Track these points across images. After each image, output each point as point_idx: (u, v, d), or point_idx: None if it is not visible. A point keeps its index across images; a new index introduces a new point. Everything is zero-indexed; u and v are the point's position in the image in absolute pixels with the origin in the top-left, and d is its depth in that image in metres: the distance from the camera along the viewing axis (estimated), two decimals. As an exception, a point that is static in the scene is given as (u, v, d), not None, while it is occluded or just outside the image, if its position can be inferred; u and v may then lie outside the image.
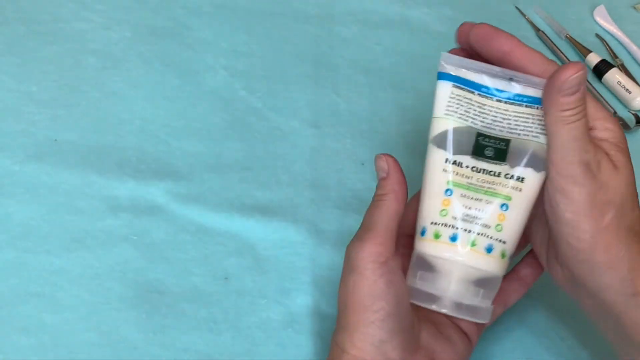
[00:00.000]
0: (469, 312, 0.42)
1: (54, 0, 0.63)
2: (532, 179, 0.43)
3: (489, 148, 0.43)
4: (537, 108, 0.43)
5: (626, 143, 0.43)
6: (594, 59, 0.65)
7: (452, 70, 0.44)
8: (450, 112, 0.43)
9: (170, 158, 0.56)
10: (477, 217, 0.42)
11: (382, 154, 0.44)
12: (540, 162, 0.43)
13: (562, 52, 0.66)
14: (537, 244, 0.46)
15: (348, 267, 0.42)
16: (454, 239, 0.42)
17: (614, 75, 0.64)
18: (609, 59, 0.66)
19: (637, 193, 0.42)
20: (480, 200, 0.42)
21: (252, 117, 0.60)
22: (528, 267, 0.48)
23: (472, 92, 0.44)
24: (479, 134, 0.43)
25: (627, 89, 0.63)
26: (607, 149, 0.42)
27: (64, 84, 0.59)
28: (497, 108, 0.43)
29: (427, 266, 0.43)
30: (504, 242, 0.43)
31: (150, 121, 0.58)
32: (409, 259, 0.44)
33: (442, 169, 0.43)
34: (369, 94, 0.62)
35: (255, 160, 0.57)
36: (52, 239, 0.52)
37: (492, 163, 0.43)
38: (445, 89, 0.44)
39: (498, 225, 0.42)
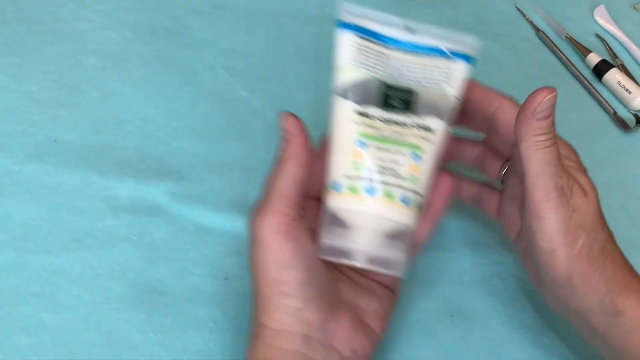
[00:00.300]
0: (384, 265, 0.41)
1: (54, 0, 0.63)
2: (440, 127, 0.43)
3: (396, 99, 0.43)
4: (440, 58, 0.43)
5: (583, 167, 0.45)
6: (593, 59, 0.65)
7: (355, 20, 0.43)
8: (354, 61, 0.43)
9: (170, 158, 0.56)
10: (391, 169, 0.41)
11: (287, 113, 0.42)
12: (444, 112, 0.43)
13: (562, 52, 0.66)
14: (529, 269, 0.47)
15: (252, 240, 0.41)
16: (370, 191, 0.41)
17: (614, 75, 0.64)
18: (609, 59, 0.66)
19: (602, 214, 0.43)
20: (393, 151, 0.42)
21: (252, 117, 0.60)
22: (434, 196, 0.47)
23: (376, 43, 0.43)
24: (385, 85, 0.43)
25: (627, 89, 0.63)
26: (574, 174, 0.43)
27: (64, 84, 0.59)
28: (399, 58, 0.43)
29: (339, 221, 0.42)
30: (418, 193, 0.42)
31: (150, 121, 0.58)
32: (317, 221, 0.43)
33: (351, 120, 0.42)
34: (368, 94, 0.62)
35: (255, 160, 0.57)
36: (52, 239, 0.52)
37: (400, 114, 0.42)
38: (348, 39, 0.43)
39: (412, 176, 0.42)
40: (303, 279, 0.40)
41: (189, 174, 0.55)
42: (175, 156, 0.56)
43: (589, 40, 0.67)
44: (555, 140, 0.42)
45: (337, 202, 0.42)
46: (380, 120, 0.42)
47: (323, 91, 0.61)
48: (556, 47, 0.66)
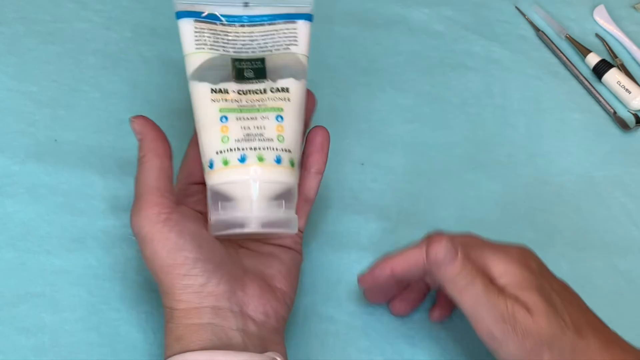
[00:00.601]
0: (275, 226, 0.44)
1: (54, 0, 0.63)
2: (295, 86, 0.45)
3: (248, 70, 0.45)
4: (278, 23, 0.46)
5: (529, 277, 0.43)
6: (593, 59, 0.65)
7: (189, 7, 0.46)
8: (200, 45, 0.45)
9: (170, 158, 0.56)
10: (258, 134, 0.44)
11: (134, 116, 0.45)
12: (297, 71, 0.46)
13: (562, 52, 0.66)
14: None
15: (138, 239, 0.43)
16: (242, 160, 0.43)
17: (613, 75, 0.64)
18: (608, 59, 0.66)
19: (562, 320, 0.42)
20: (256, 118, 0.44)
21: (251, 117, 0.60)
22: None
23: (215, 23, 0.46)
24: (235, 60, 0.45)
25: (626, 89, 0.63)
26: (515, 294, 0.42)
27: (64, 84, 0.59)
28: (243, 32, 0.46)
29: (223, 196, 0.44)
30: (289, 151, 0.44)
31: (150, 121, 0.58)
32: (204, 203, 0.45)
33: (210, 99, 0.44)
34: (368, 93, 0.62)
35: (255, 160, 0.57)
36: (52, 239, 0.52)
37: (255, 82, 0.45)
38: (188, 26, 0.46)
39: (279, 136, 0.44)
40: (196, 257, 0.42)
41: (188, 174, 0.55)
42: (174, 156, 0.56)
43: (588, 40, 0.67)
44: (478, 269, 0.43)
45: (215, 178, 0.44)
46: (238, 93, 0.45)
47: (323, 91, 0.62)
48: (556, 47, 0.66)
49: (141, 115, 0.45)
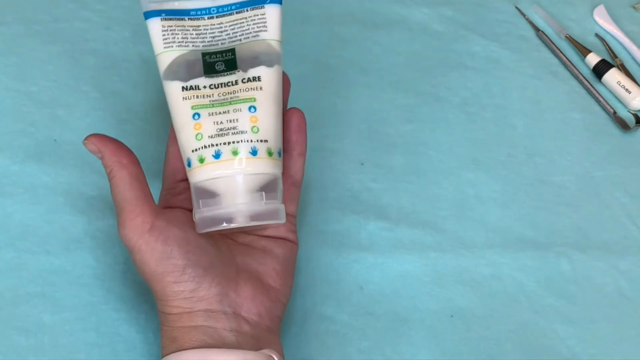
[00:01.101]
0: (262, 218, 0.43)
1: (53, 0, 0.63)
2: (267, 73, 0.44)
3: (218, 63, 0.45)
4: (246, 10, 0.45)
5: None
6: (593, 59, 0.65)
7: (155, 6, 0.45)
8: (168, 43, 0.45)
9: (170, 158, 0.56)
10: (231, 128, 0.43)
11: (86, 137, 0.45)
12: (268, 57, 0.45)
13: (562, 52, 0.66)
14: None
15: (128, 250, 0.43)
16: (217, 156, 0.43)
17: (613, 75, 0.64)
18: (608, 59, 0.66)
19: None
20: (228, 111, 0.43)
21: (251, 117, 0.60)
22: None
23: (183, 19, 0.45)
24: (204, 54, 0.45)
25: (626, 89, 0.63)
26: None
27: (63, 84, 0.59)
28: (211, 25, 0.45)
29: (205, 193, 0.43)
30: (266, 141, 0.43)
31: (150, 121, 0.58)
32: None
33: (181, 97, 0.44)
34: (368, 94, 0.62)
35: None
36: (51, 239, 0.52)
37: (226, 75, 0.44)
38: (155, 26, 0.45)
39: (253, 127, 0.43)
40: (185, 263, 0.42)
41: (188, 174, 0.55)
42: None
43: (588, 40, 0.67)
44: None
45: (195, 176, 0.44)
46: (210, 88, 0.44)
47: (323, 91, 0.62)
48: (556, 47, 0.66)
49: (92, 134, 0.45)
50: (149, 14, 0.45)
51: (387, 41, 0.65)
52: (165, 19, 0.45)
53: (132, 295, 0.50)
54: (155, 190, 0.46)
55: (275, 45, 0.45)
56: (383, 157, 0.58)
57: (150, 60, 0.61)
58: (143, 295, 0.50)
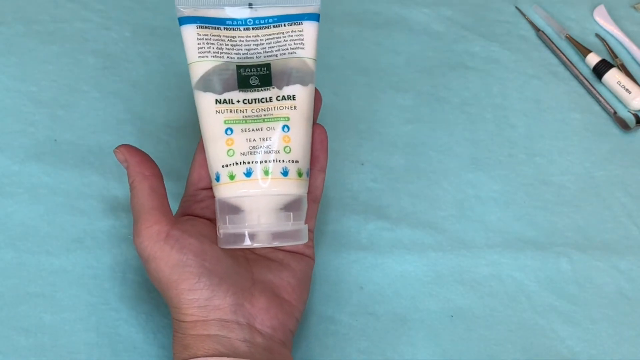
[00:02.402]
0: (285, 238, 0.43)
1: (53, 0, 0.63)
2: (302, 93, 0.44)
3: (253, 77, 0.44)
4: (283, 25, 0.44)
5: None
6: (593, 59, 0.65)
7: (191, 12, 0.44)
8: (203, 53, 0.44)
9: (170, 158, 0.56)
10: (263, 146, 0.43)
11: (117, 147, 0.45)
12: (303, 76, 0.44)
13: (562, 52, 0.66)
14: None
15: (142, 258, 0.43)
16: (248, 174, 0.42)
17: (613, 75, 0.64)
18: (609, 59, 0.66)
19: None
20: (261, 129, 0.43)
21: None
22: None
23: (218, 28, 0.44)
24: (239, 66, 0.44)
25: (627, 89, 0.63)
26: None
27: (63, 84, 0.59)
28: (246, 36, 0.44)
29: (231, 209, 0.43)
30: (297, 162, 0.43)
31: (150, 121, 0.58)
32: (213, 210, 0.45)
33: (214, 111, 0.43)
34: (368, 94, 0.62)
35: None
36: (51, 239, 0.52)
37: (261, 90, 0.43)
38: (190, 33, 0.44)
39: (286, 147, 0.43)
40: (200, 271, 0.42)
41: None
42: (175, 156, 0.56)
43: (589, 40, 0.67)
44: None
45: (222, 192, 0.43)
46: (243, 102, 0.43)
47: (322, 91, 0.62)
48: (556, 47, 0.66)
49: (123, 144, 0.45)
50: (183, 20, 0.44)
51: (387, 41, 0.65)
52: (201, 27, 0.44)
53: (132, 295, 0.50)
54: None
55: (311, 63, 0.45)
56: (383, 157, 0.58)
57: (150, 60, 0.61)
58: (143, 295, 0.50)
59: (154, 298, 0.50)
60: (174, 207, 0.45)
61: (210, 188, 0.45)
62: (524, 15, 0.68)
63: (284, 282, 0.46)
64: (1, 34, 0.61)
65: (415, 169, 0.58)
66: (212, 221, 0.45)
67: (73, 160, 0.55)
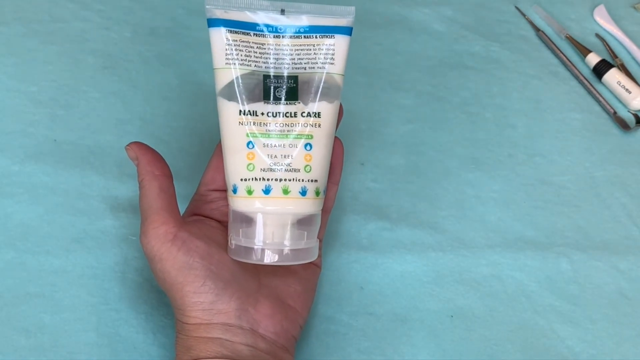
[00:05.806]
0: (296, 257, 0.42)
1: (53, 0, 0.63)
2: (328, 110, 0.42)
3: (279, 89, 0.42)
4: (315, 37, 0.42)
5: None
6: (593, 59, 0.65)
7: (222, 14, 0.42)
8: (230, 60, 0.42)
9: (170, 158, 0.56)
10: (284, 164, 0.42)
11: (128, 144, 0.44)
12: (331, 92, 0.42)
13: (562, 52, 0.66)
14: None
15: (148, 259, 0.43)
16: (267, 191, 0.42)
17: (613, 75, 0.64)
18: (609, 59, 0.66)
19: None
20: (283, 145, 0.42)
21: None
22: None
23: (248, 34, 0.42)
24: (266, 76, 0.42)
25: (627, 89, 0.63)
26: None
27: (63, 84, 0.59)
28: (276, 45, 0.42)
29: (245, 221, 0.42)
30: (316, 181, 0.42)
31: (150, 121, 0.58)
32: (223, 212, 0.45)
33: (238, 122, 0.42)
34: (368, 94, 0.62)
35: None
36: (51, 240, 0.52)
37: (286, 104, 0.42)
38: (219, 37, 0.42)
39: (307, 166, 0.42)
40: (205, 274, 0.42)
41: (189, 175, 0.55)
42: (175, 156, 0.56)
43: (589, 40, 0.67)
44: None
45: (238, 205, 0.43)
46: (267, 116, 0.42)
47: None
48: (556, 47, 0.66)
49: (135, 142, 0.45)
50: (213, 22, 0.42)
51: (387, 41, 0.65)
52: (231, 32, 0.42)
53: (132, 295, 0.50)
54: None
55: (339, 79, 0.43)
56: (383, 157, 0.58)
57: (150, 60, 0.61)
58: (143, 295, 0.50)
59: (154, 298, 0.50)
60: (179, 207, 0.45)
61: (222, 190, 0.45)
62: (524, 15, 0.68)
63: (290, 289, 0.46)
64: (1, 34, 0.61)
65: (415, 169, 0.58)
66: (221, 223, 0.45)
67: (73, 160, 0.55)
